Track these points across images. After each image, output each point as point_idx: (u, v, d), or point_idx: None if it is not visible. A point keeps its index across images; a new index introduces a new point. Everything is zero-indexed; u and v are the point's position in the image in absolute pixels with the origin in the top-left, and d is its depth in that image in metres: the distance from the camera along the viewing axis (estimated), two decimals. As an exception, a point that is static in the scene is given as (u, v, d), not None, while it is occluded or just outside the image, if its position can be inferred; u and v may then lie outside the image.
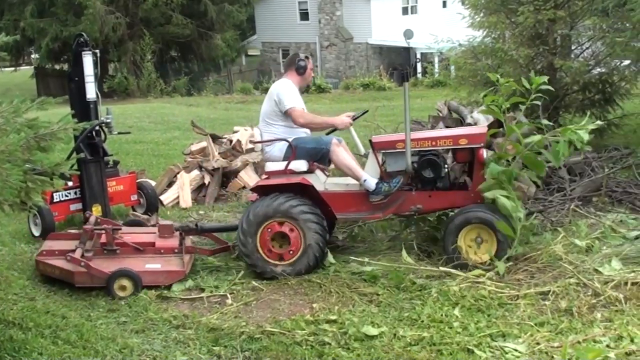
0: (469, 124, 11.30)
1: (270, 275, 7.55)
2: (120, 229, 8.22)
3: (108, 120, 9.53)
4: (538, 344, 5.63)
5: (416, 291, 6.97)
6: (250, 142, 8.43)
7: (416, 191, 7.82)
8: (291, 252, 7.59)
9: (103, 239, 7.86)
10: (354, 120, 8.23)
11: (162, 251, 7.96)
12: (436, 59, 38.53)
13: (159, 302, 7.10)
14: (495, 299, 6.61)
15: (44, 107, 6.04)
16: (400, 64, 44.57)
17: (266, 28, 47.92)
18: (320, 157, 7.99)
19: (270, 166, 8.03)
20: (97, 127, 9.39)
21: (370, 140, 8.01)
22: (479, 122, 11.42)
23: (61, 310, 6.91)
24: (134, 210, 10.17)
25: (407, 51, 44.86)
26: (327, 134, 8.42)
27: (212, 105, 28.41)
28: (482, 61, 13.81)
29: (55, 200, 9.41)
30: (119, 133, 10.45)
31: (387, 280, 7.21)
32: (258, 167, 11.76)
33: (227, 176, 11.61)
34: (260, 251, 7.62)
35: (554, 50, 13.22)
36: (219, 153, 11.75)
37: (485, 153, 7.65)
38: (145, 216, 9.75)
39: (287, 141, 7.88)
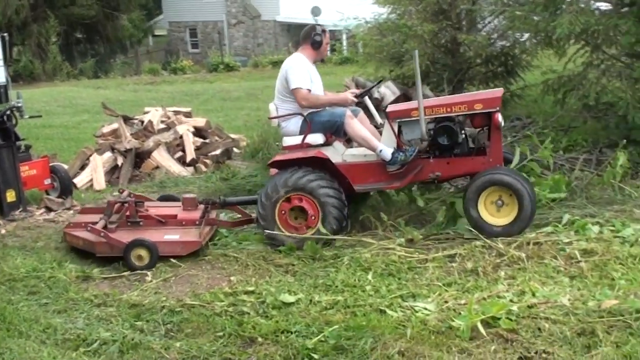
0: (376, 99, 11.61)
1: (287, 249, 7.59)
2: (143, 202, 8.45)
3: (19, 105, 9.49)
4: (446, 302, 5.95)
5: (330, 260, 7.23)
6: (268, 118, 8.42)
7: (434, 158, 7.75)
8: (309, 226, 7.67)
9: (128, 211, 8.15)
10: (361, 96, 8.26)
11: (183, 223, 8.14)
12: (344, 36, 38.76)
13: (79, 282, 7.16)
14: (405, 263, 6.92)
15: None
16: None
17: (173, 7, 47.34)
18: (335, 130, 7.97)
19: (287, 141, 8.01)
20: (8, 112, 9.36)
21: (384, 110, 8.04)
22: (386, 96, 11.77)
23: (-19, 296, 6.94)
24: (47, 194, 10.13)
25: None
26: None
27: (120, 87, 28.15)
28: (387, 37, 14.10)
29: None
30: (30, 117, 10.41)
31: (302, 252, 7.45)
32: (170, 147, 11.87)
33: (140, 157, 11.67)
34: (279, 224, 7.72)
35: (457, 25, 13.62)
36: (131, 134, 11.81)
37: (500, 117, 7.55)
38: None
39: (302, 115, 7.89)
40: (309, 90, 7.89)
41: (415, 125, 7.70)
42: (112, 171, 11.45)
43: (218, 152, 12.00)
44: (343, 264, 7.02)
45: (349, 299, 6.15)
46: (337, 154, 7.92)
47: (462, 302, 5.94)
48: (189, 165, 11.71)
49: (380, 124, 8.24)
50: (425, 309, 5.87)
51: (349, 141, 8.32)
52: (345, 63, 34.56)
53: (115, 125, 12.20)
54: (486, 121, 7.69)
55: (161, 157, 11.48)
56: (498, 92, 7.93)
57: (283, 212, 7.69)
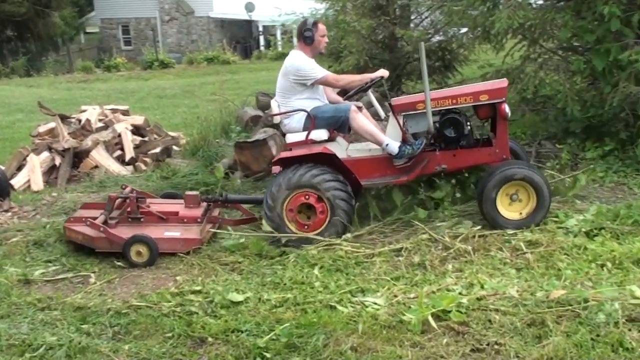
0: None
1: (297, 246, 7.46)
2: (145, 199, 8.33)
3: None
4: (395, 296, 5.98)
5: (276, 257, 7.21)
6: (270, 115, 8.27)
7: (440, 151, 7.71)
8: (318, 222, 7.54)
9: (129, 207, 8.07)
10: (366, 89, 8.09)
11: (185, 220, 8.02)
12: (278, 32, 38.78)
13: (20, 286, 6.97)
14: (352, 258, 6.93)
15: None
16: (243, 37, 44.62)
17: (104, 4, 46.80)
18: (340, 125, 7.84)
19: (291, 137, 7.88)
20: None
21: (389, 103, 7.90)
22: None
23: None
24: (-17, 196, 9.89)
25: (249, 24, 44.93)
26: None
27: (53, 85, 27.70)
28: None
29: None
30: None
31: (248, 250, 7.41)
32: (109, 146, 11.70)
33: (78, 156, 11.47)
34: (288, 223, 7.61)
35: (394, 20, 13.69)
36: (68, 133, 11.60)
37: (507, 108, 7.53)
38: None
39: (306, 111, 7.77)
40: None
41: (420, 118, 7.68)
42: (50, 171, 11.23)
43: (157, 150, 11.86)
44: (290, 261, 7.00)
45: (299, 296, 6.12)
46: (341, 149, 7.86)
47: (412, 296, 5.97)
48: (128, 164, 11.56)
49: (385, 117, 8.18)
50: (375, 303, 5.88)
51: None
52: (281, 58, 34.39)
53: (51, 125, 11.97)
54: (491, 112, 7.70)
55: (100, 156, 11.31)
56: (503, 82, 7.88)
57: (290, 210, 7.57)
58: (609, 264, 6.29)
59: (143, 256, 7.36)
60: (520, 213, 7.35)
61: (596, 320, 5.20)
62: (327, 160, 7.62)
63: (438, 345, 5.14)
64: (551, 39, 10.73)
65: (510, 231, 7.16)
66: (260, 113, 12.21)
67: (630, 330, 5.07)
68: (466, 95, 7.65)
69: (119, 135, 11.99)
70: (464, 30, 12.99)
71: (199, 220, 8.03)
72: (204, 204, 8.43)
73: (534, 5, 10.44)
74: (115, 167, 11.26)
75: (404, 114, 7.78)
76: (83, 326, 5.94)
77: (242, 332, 5.59)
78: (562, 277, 6.07)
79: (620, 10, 8.76)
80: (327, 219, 7.51)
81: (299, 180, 7.46)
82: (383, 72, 7.95)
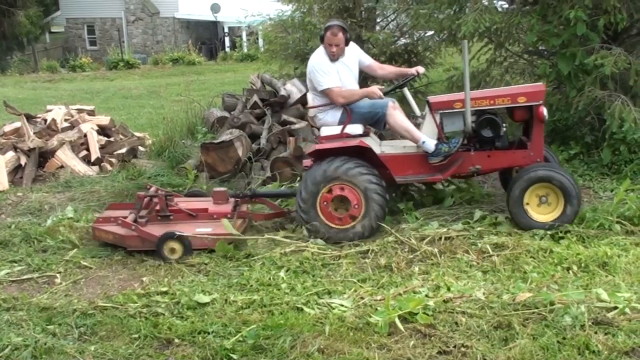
0: (283, 96, 11.59)
1: (334, 241, 7.46)
2: (173, 197, 8.33)
3: None
4: (362, 298, 5.98)
5: (243, 259, 7.19)
6: (307, 107, 8.20)
7: (475, 151, 7.70)
8: (352, 216, 7.50)
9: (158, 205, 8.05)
10: (400, 87, 8.08)
11: (214, 216, 7.97)
12: (244, 33, 38.75)
13: (-16, 287, 6.94)
14: (319, 260, 6.94)
15: None
16: (208, 38, 44.52)
17: (70, 3, 46.39)
18: (376, 121, 7.85)
19: (325, 131, 7.83)
20: None
21: (427, 101, 7.90)
22: (292, 93, 11.75)
23: None
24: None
25: (215, 25, 44.83)
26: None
27: (18, 84, 27.42)
28: (292, 35, 14.11)
29: None
30: None
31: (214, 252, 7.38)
32: (74, 146, 11.59)
33: (43, 156, 11.33)
34: (321, 216, 7.54)
35: (361, 23, 13.71)
36: (34, 133, 11.47)
37: (544, 111, 7.49)
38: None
39: (343, 105, 7.74)
40: (340, 87, 7.73)
41: (456, 117, 7.67)
42: (15, 171, 11.06)
43: (123, 150, 11.76)
44: (256, 263, 6.99)
45: (265, 298, 6.10)
46: (376, 144, 7.83)
47: (378, 298, 5.98)
48: (94, 164, 11.45)
49: (422, 115, 8.09)
50: (342, 305, 5.88)
51: (381, 136, 8.31)
52: (246, 60, 34.53)
53: (17, 124, 11.83)
54: (527, 115, 7.64)
55: (65, 156, 11.19)
56: (540, 85, 7.86)
57: (325, 203, 7.52)
58: (574, 267, 6.36)
59: (177, 253, 7.32)
60: (549, 215, 7.32)
61: (562, 323, 5.24)
62: (362, 155, 7.59)
63: (405, 348, 5.15)
64: (517, 43, 10.82)
65: (477, 234, 7.20)
66: (226, 114, 12.15)
67: (596, 333, 5.12)
68: (504, 96, 7.62)
69: (85, 136, 11.87)
70: (430, 33, 13.06)
71: (229, 216, 7.99)
72: (232, 200, 8.41)
73: (500, 9, 10.52)
74: (80, 167, 11.15)
75: (441, 112, 7.74)
76: (49, 327, 5.88)
77: (208, 333, 5.57)
78: (528, 279, 6.13)
79: (585, 15, 8.83)
80: (361, 213, 7.48)
81: (334, 173, 7.44)
82: (419, 68, 7.99)
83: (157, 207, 8.07)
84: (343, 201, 7.53)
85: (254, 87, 12.76)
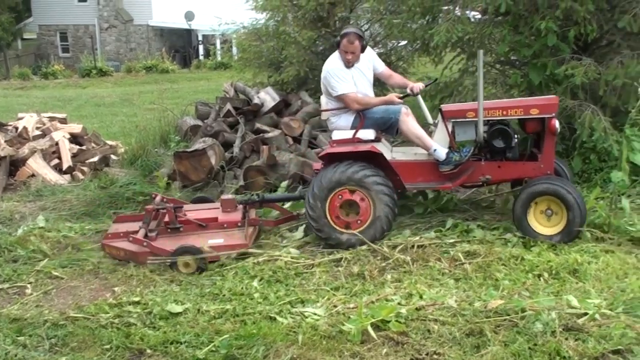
0: (256, 104, 11.60)
1: (335, 243, 7.46)
2: (182, 207, 8.25)
3: None
4: (335, 306, 6.00)
5: (215, 269, 7.19)
6: (320, 111, 8.23)
7: (485, 161, 7.67)
8: (359, 221, 7.47)
9: (166, 217, 7.98)
10: (426, 87, 8.08)
11: (225, 225, 7.94)
12: (218, 41, 38.71)
13: (-47, 297, 6.88)
14: (292, 269, 6.96)
15: None
16: (182, 46, 44.45)
17: (43, 10, 46.13)
18: (388, 127, 7.82)
19: (337, 134, 7.81)
20: None
21: (440, 109, 7.85)
22: (266, 102, 11.77)
23: None
24: None
25: (188, 33, 44.77)
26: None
27: (-11, 91, 27.20)
28: (266, 43, 14.11)
29: None
30: None
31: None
32: (46, 154, 11.53)
33: (14, 164, 11.25)
34: (328, 218, 7.51)
35: (335, 32, 13.71)
36: (5, 141, 11.38)
37: (557, 123, 7.46)
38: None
39: (358, 111, 7.72)
40: (355, 93, 7.73)
41: (468, 126, 7.66)
42: (-15, 180, 11.01)
43: (95, 159, 11.71)
44: (229, 272, 6.99)
45: (238, 308, 6.10)
46: (387, 150, 7.83)
47: (351, 306, 6.00)
48: (65, 172, 11.39)
49: (435, 122, 8.08)
50: (315, 314, 5.90)
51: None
52: (219, 68, 34.50)
53: (-13, 132, 11.75)
54: (539, 127, 7.61)
55: (37, 164, 11.12)
56: (554, 98, 7.81)
57: (334, 207, 7.51)
58: (545, 274, 6.41)
59: (191, 267, 7.23)
60: (554, 228, 7.28)
61: (533, 329, 5.28)
62: (373, 160, 7.58)
63: (377, 356, 5.18)
64: (489, 53, 10.87)
65: (449, 242, 7.25)
66: (199, 122, 12.13)
67: (567, 339, 5.16)
68: (517, 107, 7.60)
69: (57, 144, 11.81)
70: (404, 42, 13.09)
71: (239, 224, 7.97)
72: (241, 207, 8.38)
73: (473, 20, 10.57)
74: (52, 176, 11.09)
75: (453, 120, 7.74)
76: (19, 338, 5.86)
77: (181, 343, 5.57)
78: (500, 287, 6.17)
79: (556, 26, 8.91)
80: (370, 218, 7.47)
81: (345, 177, 7.43)
82: (415, 87, 7.93)
83: (166, 219, 8.01)
84: (352, 206, 7.53)
85: (227, 96, 12.75)
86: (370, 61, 8.04)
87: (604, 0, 9.09)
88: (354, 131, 7.72)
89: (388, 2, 12.59)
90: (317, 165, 8.07)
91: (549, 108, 7.53)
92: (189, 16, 41.67)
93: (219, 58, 37.15)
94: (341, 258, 7.11)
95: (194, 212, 8.39)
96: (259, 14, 14.68)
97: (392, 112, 7.75)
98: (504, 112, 7.58)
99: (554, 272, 6.44)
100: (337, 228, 7.51)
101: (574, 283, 6.23)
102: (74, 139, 12.43)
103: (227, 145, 10.88)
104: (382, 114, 7.78)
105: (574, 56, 9.16)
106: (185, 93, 23.25)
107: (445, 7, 10.22)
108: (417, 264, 6.86)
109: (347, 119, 7.82)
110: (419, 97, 8.07)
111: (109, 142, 13.14)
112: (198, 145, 10.41)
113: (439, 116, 7.83)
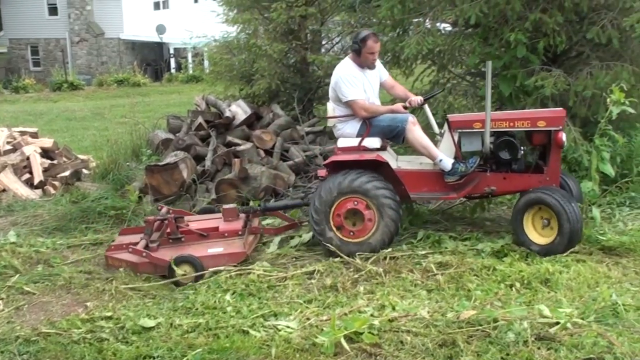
0: (227, 117, 11.59)
1: (346, 253, 7.36)
2: (183, 218, 8.34)
3: None
4: (308, 319, 5.98)
5: (188, 282, 7.19)
6: (326, 118, 8.20)
7: (491, 172, 7.64)
8: (365, 229, 7.44)
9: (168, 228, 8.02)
10: (426, 100, 7.93)
11: (225, 234, 7.95)
12: (189, 54, 38.70)
13: None
14: (265, 282, 6.93)
15: None
16: (154, 59, 44.35)
17: (13, 24, 45.90)
18: (394, 135, 7.76)
19: (343, 142, 7.78)
20: None
21: (446, 119, 7.82)
22: (237, 115, 11.77)
23: None
24: None
25: (160, 46, 44.69)
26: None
27: (-42, 106, 26.98)
28: (237, 56, 14.13)
29: None
30: None
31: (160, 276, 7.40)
32: (17, 169, 11.45)
33: (-16, 180, 11.20)
34: (333, 228, 7.49)
35: (306, 45, 13.80)
36: (-25, 156, 11.33)
37: (564, 136, 7.42)
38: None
39: (365, 118, 7.68)
40: (364, 100, 7.70)
41: (475, 137, 7.63)
42: (-45, 195, 10.91)
43: (67, 173, 11.64)
44: (202, 286, 6.97)
45: (211, 321, 6.07)
46: (393, 159, 7.81)
47: (324, 318, 5.98)
48: (37, 187, 11.31)
49: (441, 132, 8.03)
50: (288, 327, 5.87)
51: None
52: (191, 81, 34.48)
53: (-43, 147, 11.66)
54: (545, 139, 7.57)
55: (8, 179, 11.04)
56: (561, 111, 7.78)
57: (338, 215, 7.48)
58: (517, 284, 6.42)
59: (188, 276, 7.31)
60: (548, 238, 7.23)
61: (506, 339, 5.28)
62: (378, 169, 7.57)
63: (351, 368, 5.18)
64: (459, 65, 10.96)
65: (422, 253, 7.27)
66: (171, 136, 12.11)
67: (539, 348, 5.17)
68: (524, 119, 7.56)
69: (28, 158, 11.75)
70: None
71: (240, 233, 7.98)
72: (243, 216, 8.39)
73: (443, 32, 10.65)
74: (23, 191, 11.01)
75: (459, 131, 7.70)
76: (-10, 355, 5.80)
77: (154, 358, 5.53)
78: (472, 297, 6.18)
79: (526, 37, 9.00)
80: (374, 227, 7.44)
81: (350, 185, 7.41)
82: (413, 100, 7.85)
83: (168, 230, 8.03)
84: (356, 214, 7.51)
85: (199, 109, 12.74)
86: (378, 70, 8.06)
87: (573, 12, 9.20)
88: (359, 139, 7.70)
89: (359, 15, 12.65)
90: (322, 172, 8.02)
91: (556, 121, 7.49)
92: (161, 29, 41.62)
93: (190, 71, 37.16)
94: (314, 270, 7.09)
95: (196, 222, 8.45)
96: (230, 27, 14.71)
97: (399, 120, 7.71)
98: (511, 124, 7.55)
99: (525, 282, 6.46)
100: (343, 238, 7.51)
101: (545, 292, 6.26)
102: (45, 153, 12.36)
103: (199, 159, 10.87)
104: (389, 122, 7.73)
105: (543, 67, 9.26)
106: (156, 106, 23.19)
107: (416, 20, 10.30)
108: (390, 275, 6.86)
109: (354, 126, 7.79)
110: (426, 106, 8.04)
111: (81, 157, 13.08)
112: (170, 158, 10.39)
113: (445, 126, 7.82)
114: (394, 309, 6.02)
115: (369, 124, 7.70)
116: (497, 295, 6.22)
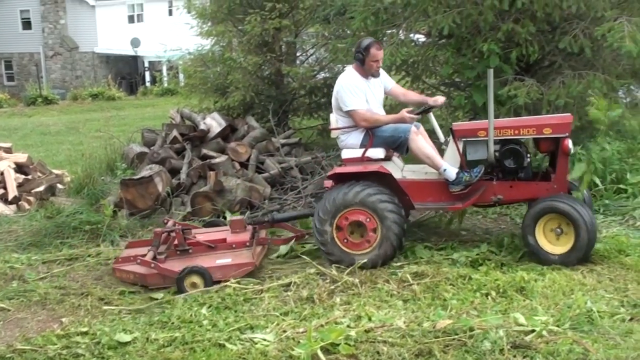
0: (202, 130, 11.58)
1: (347, 265, 7.32)
2: (190, 230, 8.40)
3: None
4: (285, 331, 5.95)
5: (165, 297, 7.16)
6: (329, 129, 8.21)
7: (497, 181, 7.55)
8: (368, 242, 7.40)
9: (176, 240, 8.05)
10: (421, 113, 7.86)
11: (233, 246, 7.95)
12: (164, 68, 38.63)
13: None
14: (241, 295, 6.91)
15: None
16: (128, 72, 44.24)
17: (-14, 39, 45.66)
18: (397, 146, 7.70)
19: (347, 153, 7.74)
20: None
21: (451, 128, 7.75)
22: (212, 127, 11.76)
23: None
24: None
25: (135, 60, 44.58)
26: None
27: None
28: (212, 69, 14.13)
29: None
30: None
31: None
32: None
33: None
34: (337, 240, 7.44)
35: (280, 57, 13.80)
36: (-53, 172, 11.24)
37: (570, 143, 7.32)
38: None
39: (366, 129, 7.64)
40: (366, 110, 7.66)
41: (480, 145, 7.53)
42: None
43: (41, 188, 11.57)
44: (178, 300, 6.93)
45: (187, 335, 6.03)
46: (397, 169, 7.74)
47: (301, 330, 5.96)
48: (11, 203, 11.24)
49: (446, 141, 7.97)
50: (265, 339, 5.84)
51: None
52: (166, 94, 34.40)
53: None
54: (552, 146, 7.50)
55: (-13, 194, 10.98)
56: (568, 117, 7.65)
57: (341, 227, 7.44)
58: (493, 293, 6.44)
59: (198, 287, 7.25)
60: (564, 247, 7.16)
61: (482, 348, 5.30)
62: (382, 179, 7.53)
63: (328, 379, 5.17)
64: (433, 75, 11.03)
65: (397, 263, 7.29)
66: (145, 150, 12.08)
67: (515, 356, 5.19)
68: (529, 126, 7.47)
69: (2, 174, 11.67)
70: (349, 66, 13.17)
71: (247, 244, 7.98)
72: (250, 228, 8.38)
73: (416, 43, 10.71)
74: (-3, 207, 10.95)
75: (464, 140, 7.63)
76: (-35, 372, 5.75)
77: (130, 373, 5.50)
78: (448, 307, 6.19)
79: (498, 48, 9.07)
80: (377, 240, 7.40)
81: (354, 198, 7.37)
82: (438, 99, 7.90)
83: (176, 242, 8.04)
84: (360, 226, 7.48)
85: (174, 122, 12.71)
86: (382, 79, 8.02)
87: (545, 22, 9.28)
88: (363, 150, 7.68)
89: (333, 26, 12.69)
90: (328, 183, 7.95)
91: (562, 127, 7.39)
92: (135, 43, 41.52)
93: (165, 84, 37.08)
94: (290, 282, 7.08)
95: (204, 234, 8.47)
96: (205, 39, 14.70)
97: (402, 130, 7.64)
98: (516, 132, 7.48)
99: (501, 290, 6.48)
100: (347, 250, 7.48)
101: (521, 301, 6.28)
102: (20, 168, 12.30)
103: (174, 172, 10.85)
104: (392, 132, 7.68)
105: (516, 77, 9.33)
106: (131, 120, 23.13)
107: (389, 31, 10.34)
108: (366, 286, 6.87)
109: (357, 137, 7.76)
110: (431, 115, 8.04)
111: (55, 171, 13.01)
112: (145, 172, 10.36)
113: (450, 135, 7.78)
114: (370, 319, 6.02)
115: (371, 135, 7.67)
116: (473, 304, 6.24)
